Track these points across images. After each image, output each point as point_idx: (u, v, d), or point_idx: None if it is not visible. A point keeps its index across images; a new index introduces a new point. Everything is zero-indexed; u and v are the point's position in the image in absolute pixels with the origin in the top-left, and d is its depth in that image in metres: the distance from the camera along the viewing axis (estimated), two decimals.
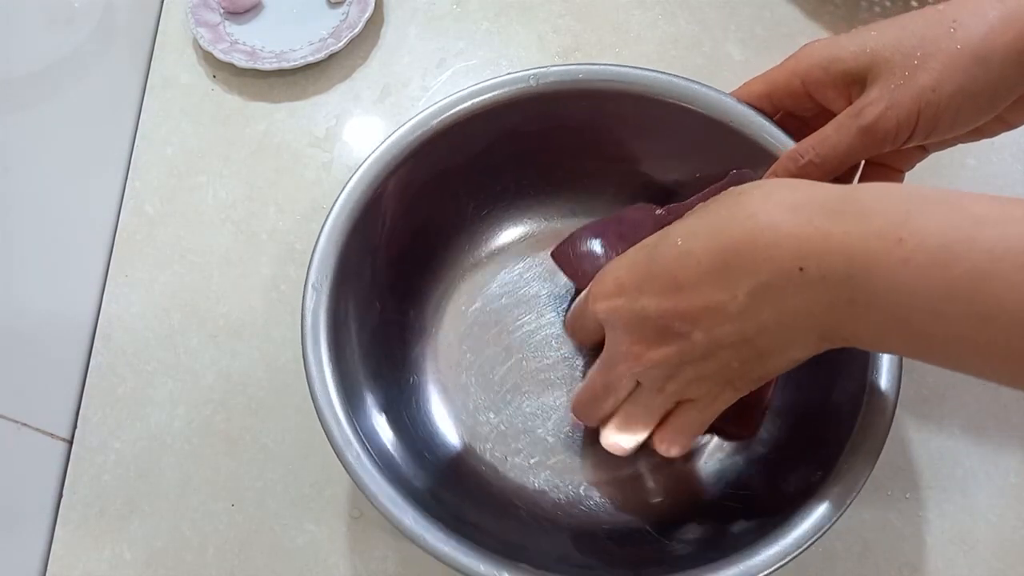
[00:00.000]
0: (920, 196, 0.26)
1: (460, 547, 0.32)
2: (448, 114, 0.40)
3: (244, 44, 0.55)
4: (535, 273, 0.45)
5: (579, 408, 0.37)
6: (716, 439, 0.40)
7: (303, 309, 0.37)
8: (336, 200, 0.39)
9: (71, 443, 0.45)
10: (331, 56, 0.54)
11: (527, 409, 0.42)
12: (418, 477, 0.37)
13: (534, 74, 0.40)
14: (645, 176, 0.45)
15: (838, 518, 0.32)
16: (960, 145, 0.37)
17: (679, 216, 0.33)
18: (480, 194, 0.45)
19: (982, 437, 0.43)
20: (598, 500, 0.40)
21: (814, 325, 0.28)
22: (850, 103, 0.35)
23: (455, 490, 0.39)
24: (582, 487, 0.40)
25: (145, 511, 0.43)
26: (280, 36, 0.56)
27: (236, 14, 0.56)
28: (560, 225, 0.46)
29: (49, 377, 0.45)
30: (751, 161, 0.39)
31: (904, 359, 0.35)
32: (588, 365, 0.42)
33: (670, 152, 0.43)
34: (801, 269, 0.27)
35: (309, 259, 0.38)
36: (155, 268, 0.49)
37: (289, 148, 0.52)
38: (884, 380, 0.35)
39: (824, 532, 0.32)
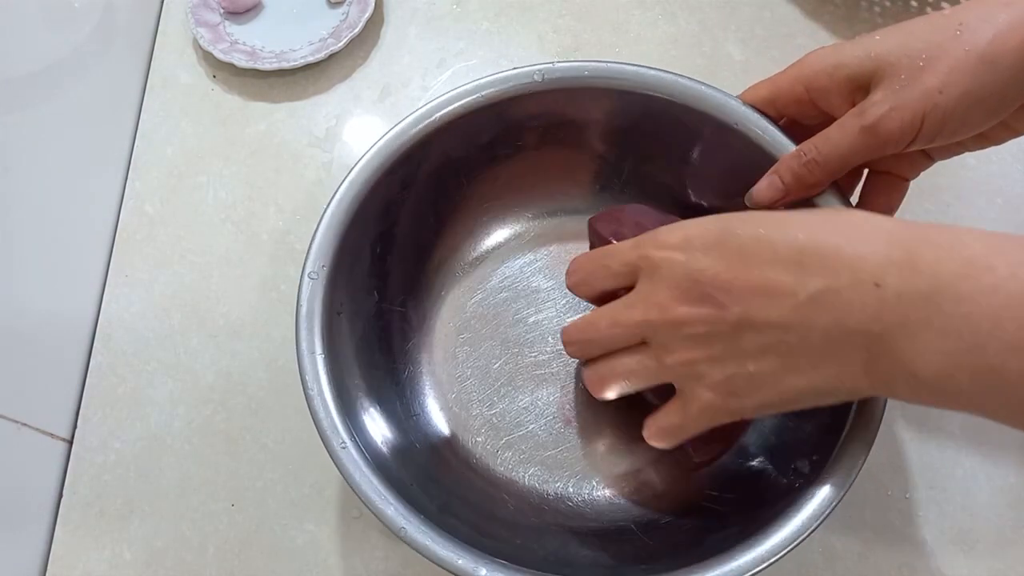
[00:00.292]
0: (1009, 235, 0.26)
1: (439, 540, 0.32)
2: (453, 107, 0.40)
3: (244, 44, 0.55)
4: (535, 268, 0.45)
5: (573, 333, 0.35)
6: None
7: (299, 296, 0.37)
8: (337, 189, 0.39)
9: (71, 443, 0.45)
10: (331, 56, 0.54)
11: (520, 403, 0.42)
12: (407, 468, 0.37)
13: (540, 69, 0.41)
14: (649, 176, 0.45)
15: (820, 523, 0.32)
16: None
17: None
18: (483, 188, 0.45)
19: (982, 437, 0.43)
20: (586, 497, 0.40)
21: (866, 346, 0.27)
22: None
23: (444, 482, 0.39)
24: (571, 484, 0.40)
25: (145, 511, 0.43)
26: (280, 36, 0.56)
27: (236, 14, 0.56)
28: (562, 222, 0.46)
29: (49, 377, 0.45)
30: (754, 163, 0.39)
31: None
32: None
33: (674, 152, 0.43)
34: (877, 285, 0.26)
35: (308, 246, 0.38)
36: (155, 268, 0.49)
37: (289, 148, 0.52)
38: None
39: (808, 535, 0.31)
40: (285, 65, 0.53)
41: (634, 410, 0.36)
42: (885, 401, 0.33)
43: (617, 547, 0.38)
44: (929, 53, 0.33)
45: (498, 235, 0.46)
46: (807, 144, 0.36)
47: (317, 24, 0.56)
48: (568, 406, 0.42)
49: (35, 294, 0.45)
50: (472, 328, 0.44)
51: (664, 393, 0.33)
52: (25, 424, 0.42)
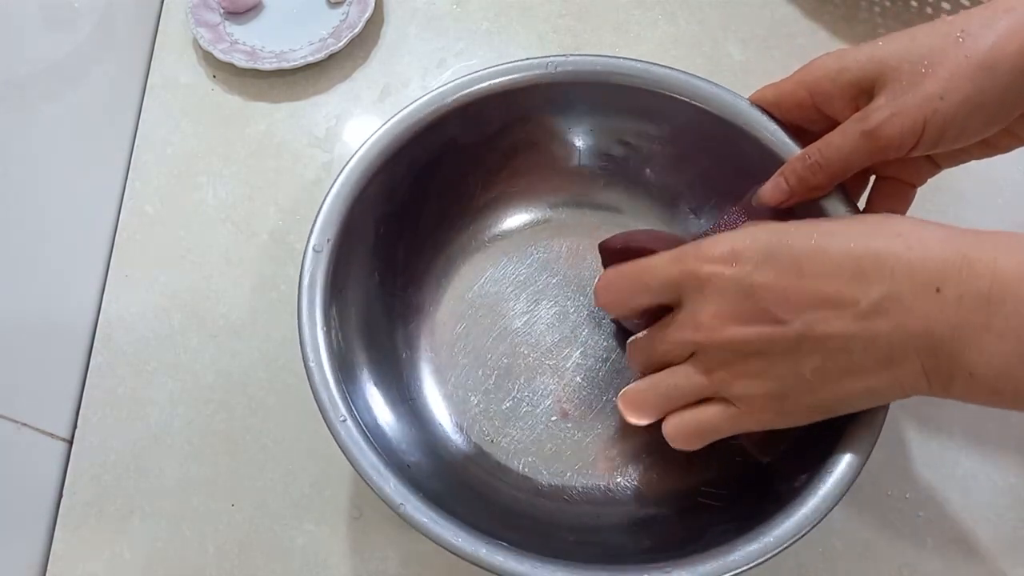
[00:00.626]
0: None
1: (438, 519, 0.32)
2: (465, 92, 0.40)
3: (244, 44, 0.55)
4: (538, 260, 0.45)
5: (636, 358, 0.36)
6: None
7: (302, 269, 0.36)
8: (345, 165, 0.39)
9: (71, 443, 0.45)
10: (331, 56, 0.54)
11: (517, 393, 0.42)
12: (404, 449, 0.37)
13: (552, 60, 0.41)
14: (654, 174, 0.45)
15: (819, 522, 0.31)
16: None
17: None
18: (489, 176, 0.45)
19: (982, 437, 0.43)
20: (580, 490, 0.40)
21: (927, 349, 0.27)
22: None
23: (440, 468, 0.39)
24: (567, 475, 0.40)
25: (145, 511, 0.43)
26: (280, 36, 0.56)
27: (236, 14, 0.56)
28: (566, 216, 0.46)
29: (49, 377, 0.45)
30: (760, 164, 0.39)
31: None
32: (584, 354, 0.43)
33: (680, 151, 0.43)
34: (938, 290, 0.27)
35: (312, 221, 0.38)
36: (155, 268, 0.49)
37: (289, 148, 0.52)
38: None
39: (806, 534, 0.31)
40: (285, 65, 0.53)
41: None
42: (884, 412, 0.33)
43: (612, 539, 0.38)
44: (931, 59, 0.33)
45: (502, 225, 0.46)
46: (811, 148, 0.36)
47: (317, 24, 0.56)
48: (565, 398, 0.42)
49: (35, 294, 0.45)
50: (472, 316, 0.44)
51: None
52: (25, 424, 0.42)
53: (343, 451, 0.33)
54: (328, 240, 0.37)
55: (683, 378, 0.33)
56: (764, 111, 0.39)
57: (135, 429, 0.45)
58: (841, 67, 0.35)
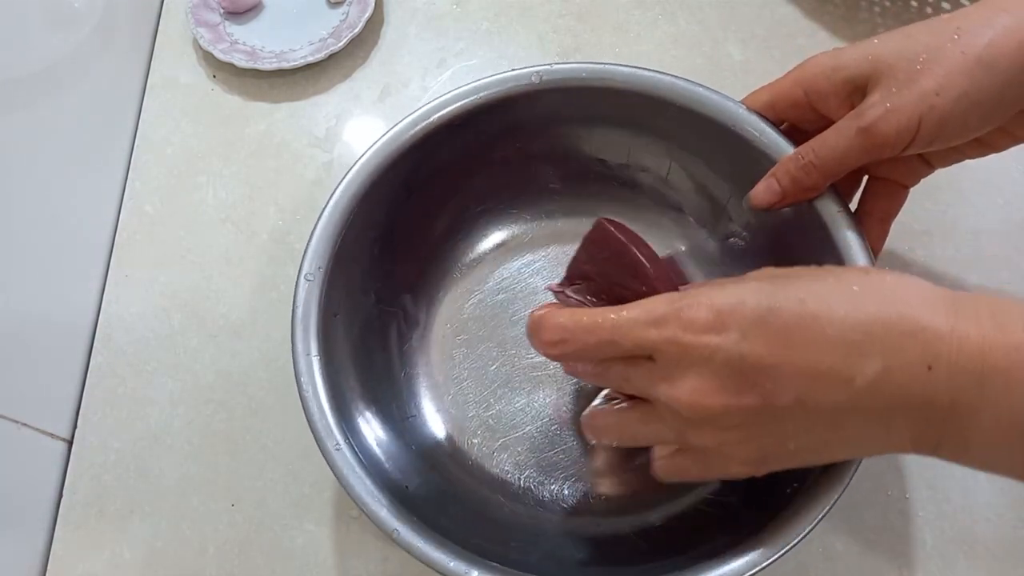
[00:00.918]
0: None
1: (432, 543, 0.32)
2: (450, 108, 0.40)
3: (244, 44, 0.55)
4: (533, 270, 0.45)
5: (595, 428, 0.34)
6: None
7: (295, 298, 0.37)
8: (333, 192, 0.39)
9: (71, 443, 0.45)
10: (331, 56, 0.54)
11: (517, 405, 0.42)
12: (402, 470, 0.37)
13: (537, 71, 0.40)
14: (647, 178, 0.45)
15: (818, 523, 0.31)
16: None
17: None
18: (480, 189, 0.45)
19: None
20: (581, 499, 0.40)
21: (918, 420, 0.27)
22: None
23: (439, 484, 0.39)
24: (566, 486, 0.40)
25: (145, 511, 0.43)
26: (280, 36, 0.56)
27: (236, 14, 0.56)
28: (560, 224, 0.46)
29: (49, 377, 0.45)
30: (753, 166, 0.39)
31: None
32: None
33: (672, 155, 0.43)
34: (930, 368, 0.26)
35: (304, 248, 0.38)
36: (155, 268, 0.49)
37: (289, 148, 0.52)
38: None
39: (807, 535, 0.31)
40: (285, 65, 0.53)
41: None
42: None
43: (612, 549, 0.38)
44: (927, 56, 0.33)
45: (495, 237, 0.46)
46: (804, 147, 0.36)
47: (317, 24, 0.56)
48: (564, 408, 0.42)
49: (35, 294, 0.45)
50: (469, 330, 0.44)
51: None
52: (25, 424, 0.42)
53: (338, 478, 0.33)
54: (319, 268, 0.37)
55: (654, 434, 0.31)
56: (754, 112, 0.39)
57: (135, 429, 0.45)
58: (836, 65, 0.35)
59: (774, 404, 0.27)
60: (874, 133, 0.33)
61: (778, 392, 0.27)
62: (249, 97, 0.54)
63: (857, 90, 0.35)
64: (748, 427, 0.28)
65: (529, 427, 0.42)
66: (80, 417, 0.45)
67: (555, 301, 0.35)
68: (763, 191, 0.38)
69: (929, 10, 0.54)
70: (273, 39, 0.56)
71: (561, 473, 0.41)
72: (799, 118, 0.38)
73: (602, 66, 0.40)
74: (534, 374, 0.43)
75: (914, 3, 0.54)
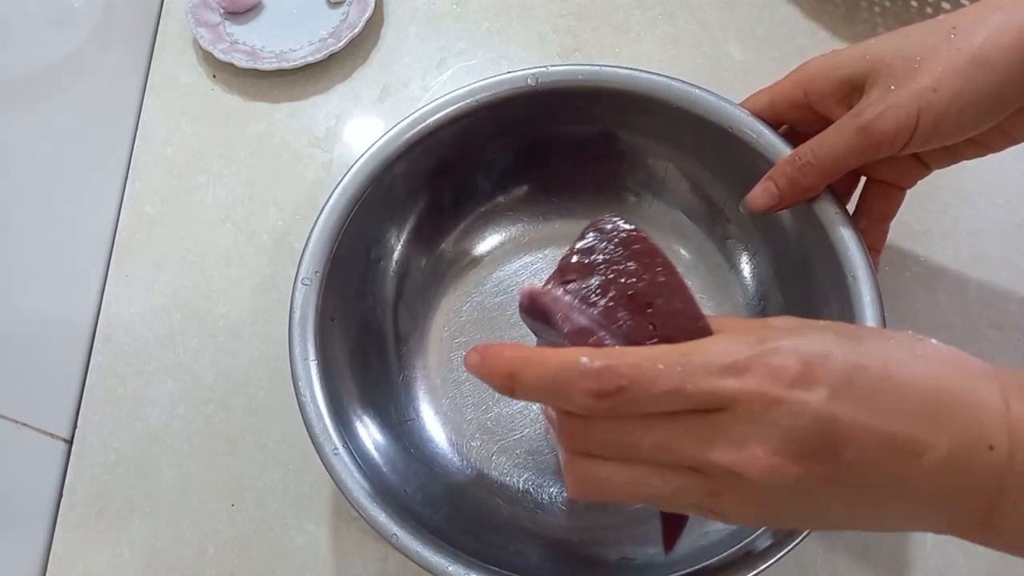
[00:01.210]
0: None
1: (430, 547, 0.32)
2: (446, 111, 0.40)
3: (244, 44, 0.55)
4: (531, 272, 0.45)
5: (587, 482, 0.26)
6: None
7: (292, 303, 0.37)
8: (330, 196, 0.39)
9: (71, 443, 0.45)
10: (331, 56, 0.54)
11: (515, 408, 0.42)
12: (400, 474, 0.37)
13: (533, 73, 0.40)
14: (644, 180, 0.45)
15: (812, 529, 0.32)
16: None
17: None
18: (477, 192, 0.45)
19: None
20: (580, 503, 0.40)
21: (962, 503, 0.24)
22: None
23: (438, 487, 0.39)
24: (564, 489, 0.40)
25: (145, 511, 0.43)
26: (280, 36, 0.56)
27: (236, 14, 0.56)
28: (557, 226, 0.46)
29: (49, 377, 0.45)
30: (751, 168, 0.39)
31: None
32: None
33: (669, 157, 0.43)
34: (991, 448, 0.23)
35: (300, 254, 0.38)
36: (155, 268, 0.49)
37: (289, 148, 0.52)
38: None
39: (806, 536, 0.31)
40: (285, 65, 0.53)
41: None
42: None
43: (611, 552, 0.38)
44: (923, 54, 0.33)
45: (493, 239, 0.46)
46: (802, 148, 0.36)
47: (317, 24, 0.56)
48: None
49: (35, 294, 0.45)
50: (467, 332, 0.44)
51: None
52: (25, 424, 0.42)
53: (336, 483, 0.33)
54: (316, 272, 0.37)
55: (674, 494, 0.25)
56: (750, 113, 0.39)
57: (135, 429, 0.45)
58: (835, 65, 0.35)
59: (839, 477, 0.24)
60: (873, 131, 0.33)
61: (853, 462, 0.23)
62: (249, 97, 0.54)
63: (855, 90, 0.35)
64: (802, 495, 0.24)
65: (527, 429, 0.42)
66: (80, 417, 0.45)
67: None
68: (760, 194, 0.37)
69: (929, 10, 0.54)
70: (273, 39, 0.56)
71: (560, 476, 0.41)
72: (798, 119, 0.38)
73: (598, 68, 0.40)
74: None
75: (914, 3, 0.54)
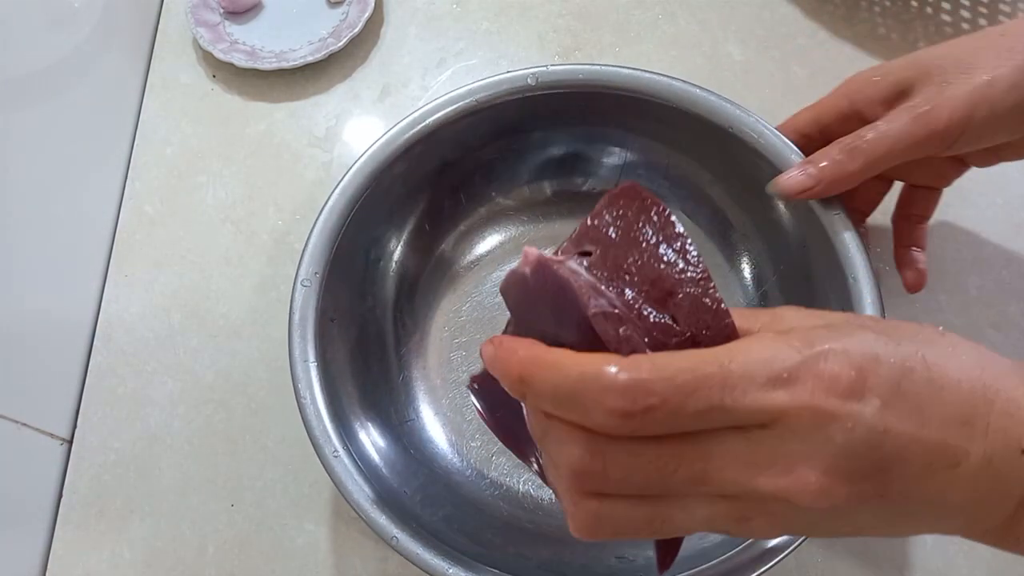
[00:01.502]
0: None
1: (431, 549, 0.32)
2: (446, 111, 0.40)
3: (244, 44, 0.55)
4: None
5: (599, 521, 0.23)
6: None
7: (291, 304, 0.37)
8: (329, 197, 0.39)
9: (71, 443, 0.45)
10: (331, 56, 0.54)
11: None
12: (400, 475, 0.37)
13: (533, 73, 0.40)
14: (644, 179, 0.45)
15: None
16: None
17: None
18: (477, 192, 0.45)
19: None
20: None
21: (987, 512, 0.23)
22: None
23: (438, 489, 0.39)
24: None
25: (145, 511, 0.43)
26: (280, 36, 0.56)
27: (236, 14, 0.56)
28: (558, 226, 0.46)
29: (49, 377, 0.45)
30: (751, 167, 0.39)
31: None
32: None
33: (669, 156, 0.43)
34: (1022, 451, 0.22)
35: (300, 254, 0.38)
36: (155, 268, 0.49)
37: (289, 148, 0.52)
38: None
39: (801, 542, 0.31)
40: (285, 65, 0.53)
41: None
42: None
43: (611, 554, 0.38)
44: (974, 55, 0.34)
45: (493, 239, 0.46)
46: (850, 135, 0.35)
47: (317, 24, 0.56)
48: None
49: (35, 294, 0.45)
50: (467, 332, 0.44)
51: None
52: (25, 424, 0.42)
53: (336, 485, 0.34)
54: (316, 273, 0.37)
55: (697, 525, 0.22)
56: (749, 112, 0.39)
57: (135, 429, 0.45)
58: (883, 72, 0.36)
59: (886, 494, 0.22)
60: (928, 119, 0.33)
61: (902, 476, 0.21)
62: (249, 97, 0.54)
63: (903, 94, 0.35)
64: (839, 514, 0.22)
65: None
66: (80, 417, 0.45)
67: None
68: (796, 175, 0.36)
69: (929, 10, 0.54)
70: (273, 39, 0.56)
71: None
72: (843, 129, 0.37)
73: (598, 68, 0.40)
74: None
75: (914, 3, 0.54)
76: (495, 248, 0.46)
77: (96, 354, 0.47)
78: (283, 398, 0.45)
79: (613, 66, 0.40)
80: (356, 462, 0.34)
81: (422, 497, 0.37)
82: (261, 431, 0.44)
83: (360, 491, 0.33)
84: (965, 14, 0.53)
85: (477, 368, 0.43)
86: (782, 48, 0.54)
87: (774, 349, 0.21)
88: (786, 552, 0.31)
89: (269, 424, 0.44)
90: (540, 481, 0.40)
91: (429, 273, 0.45)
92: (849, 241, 0.36)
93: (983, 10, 0.53)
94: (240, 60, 0.53)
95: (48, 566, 0.42)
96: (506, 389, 0.23)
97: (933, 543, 0.40)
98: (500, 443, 0.41)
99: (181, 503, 0.43)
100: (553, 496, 0.40)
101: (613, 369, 0.20)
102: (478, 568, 0.32)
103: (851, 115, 0.36)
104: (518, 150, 0.44)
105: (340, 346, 0.38)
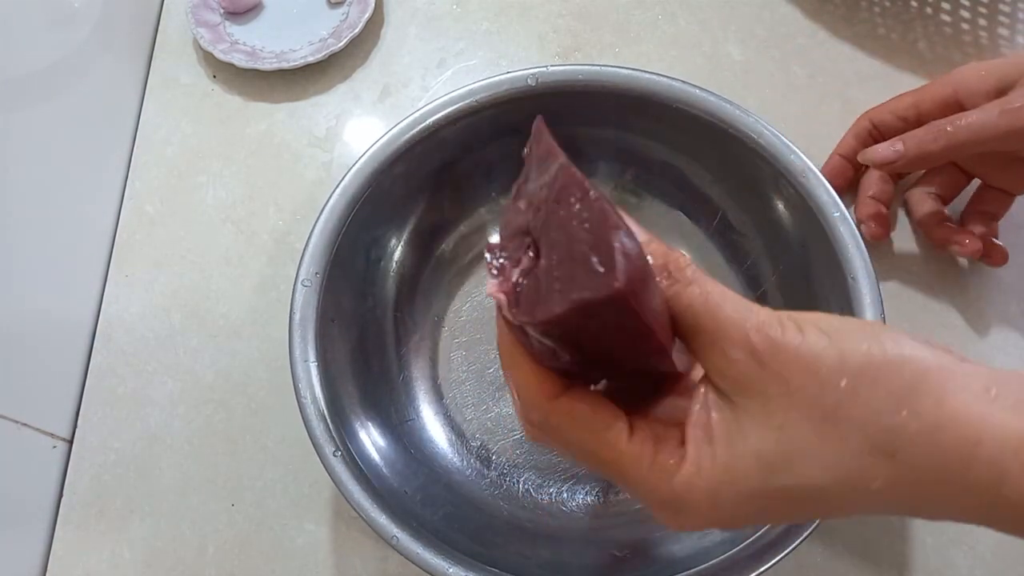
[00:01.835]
0: None
1: (431, 549, 0.32)
2: (446, 111, 0.40)
3: (244, 44, 0.55)
4: None
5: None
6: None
7: (292, 304, 0.37)
8: (330, 197, 0.39)
9: (71, 443, 0.45)
10: (331, 56, 0.54)
11: (514, 407, 0.42)
12: (401, 475, 0.37)
13: (533, 73, 0.40)
14: (644, 179, 0.45)
15: (817, 524, 0.31)
16: None
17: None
18: (477, 192, 0.45)
19: None
20: (580, 503, 0.40)
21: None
22: None
23: (438, 488, 0.39)
24: (565, 489, 0.40)
25: (145, 511, 0.43)
26: (280, 36, 0.56)
27: (236, 14, 0.56)
28: None
29: (49, 377, 0.45)
30: (751, 167, 0.39)
31: None
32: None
33: (669, 156, 0.43)
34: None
35: (301, 254, 0.38)
36: (155, 268, 0.49)
37: (289, 148, 0.52)
38: None
39: (807, 537, 0.31)
40: (285, 65, 0.53)
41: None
42: None
43: (611, 554, 0.38)
44: None
45: (494, 238, 0.46)
46: (942, 120, 0.38)
47: (317, 24, 0.56)
48: None
49: (35, 294, 0.45)
50: (467, 332, 0.44)
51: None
52: (25, 424, 0.42)
53: (336, 485, 0.34)
54: (316, 273, 0.37)
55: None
56: (749, 113, 0.39)
57: (135, 429, 0.45)
58: (988, 68, 0.39)
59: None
60: (1015, 116, 0.36)
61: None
62: (249, 97, 0.54)
63: (1005, 90, 0.38)
64: None
65: None
66: (80, 417, 0.45)
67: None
68: (885, 148, 0.40)
69: (929, 10, 0.54)
70: (273, 39, 0.56)
71: (560, 476, 0.41)
72: (941, 115, 0.40)
73: (598, 68, 0.40)
74: None
75: (914, 3, 0.54)
76: None
77: (96, 354, 0.47)
78: (283, 398, 0.45)
79: (613, 66, 0.40)
80: (356, 462, 0.34)
81: (422, 497, 0.37)
82: (261, 431, 0.44)
83: (360, 491, 0.33)
84: (965, 14, 0.53)
85: (477, 368, 0.43)
86: (782, 48, 0.54)
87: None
88: (786, 552, 0.31)
89: (269, 424, 0.44)
90: (539, 481, 0.40)
91: (429, 273, 0.45)
92: (849, 241, 0.36)
93: (983, 10, 0.53)
94: (240, 60, 0.53)
95: (48, 566, 0.42)
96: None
97: (933, 543, 0.40)
98: (501, 443, 0.41)
99: (181, 503, 0.43)
100: (553, 496, 0.40)
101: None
102: (478, 568, 0.32)
103: (953, 103, 0.40)
104: (518, 150, 0.44)
105: (340, 346, 0.38)
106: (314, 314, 0.37)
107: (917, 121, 0.41)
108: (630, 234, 0.20)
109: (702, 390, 0.22)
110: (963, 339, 0.44)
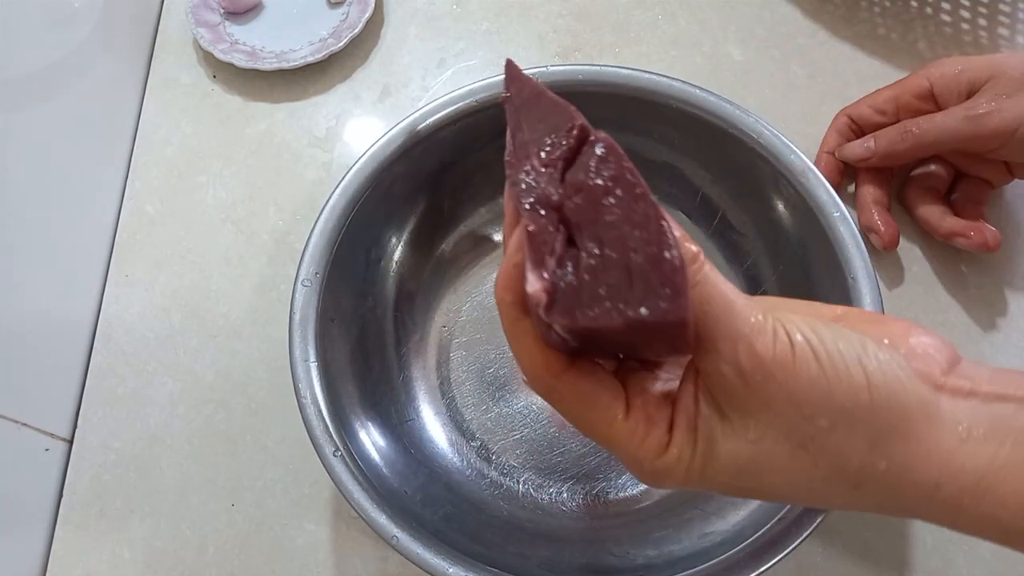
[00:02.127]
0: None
1: (431, 549, 0.32)
2: (446, 111, 0.40)
3: (244, 44, 0.55)
4: None
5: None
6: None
7: (292, 304, 0.37)
8: (329, 197, 0.39)
9: (71, 443, 0.45)
10: (331, 56, 0.54)
11: (516, 407, 0.42)
12: (400, 475, 0.37)
13: (533, 73, 0.40)
14: (646, 180, 0.45)
15: (818, 525, 0.31)
16: None
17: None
18: (477, 192, 0.45)
19: None
20: (580, 502, 0.40)
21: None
22: None
23: (438, 488, 0.39)
24: (565, 489, 0.40)
25: (145, 511, 0.43)
26: (280, 36, 0.56)
27: (236, 14, 0.56)
28: None
29: (49, 377, 0.45)
30: (750, 167, 0.39)
31: None
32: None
33: (668, 155, 0.43)
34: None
35: (301, 254, 0.38)
36: (155, 268, 0.49)
37: (289, 148, 0.52)
38: None
39: (807, 537, 0.31)
40: (285, 65, 0.53)
41: None
42: None
43: (611, 554, 0.38)
44: None
45: (493, 239, 0.46)
46: (910, 121, 0.42)
47: (317, 24, 0.56)
48: None
49: (35, 294, 0.45)
50: (467, 332, 0.44)
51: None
52: (25, 424, 0.42)
53: (336, 485, 0.33)
54: (316, 273, 0.37)
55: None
56: (748, 112, 0.39)
57: (135, 429, 0.45)
58: (964, 67, 0.41)
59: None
60: (979, 123, 0.38)
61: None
62: (249, 97, 0.54)
63: (975, 91, 0.40)
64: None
65: (528, 429, 0.42)
66: (80, 417, 0.45)
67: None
68: (857, 146, 0.44)
69: (929, 10, 0.54)
70: (273, 39, 0.56)
71: (560, 476, 0.41)
72: (918, 108, 0.43)
73: (598, 68, 0.40)
74: None
75: (914, 3, 0.54)
76: (495, 248, 0.46)
77: (96, 354, 0.47)
78: (283, 398, 0.45)
79: (613, 66, 0.40)
80: (356, 462, 0.34)
81: (422, 497, 0.37)
82: (261, 431, 0.44)
83: (360, 491, 0.33)
84: (965, 14, 0.54)
85: (477, 368, 0.43)
86: (782, 48, 0.54)
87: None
88: (786, 552, 0.31)
89: (269, 424, 0.44)
90: (539, 481, 0.40)
91: (429, 273, 0.45)
92: (849, 241, 0.36)
93: (983, 10, 0.53)
94: (240, 60, 0.53)
95: (48, 566, 0.42)
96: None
97: (933, 543, 0.40)
98: (500, 443, 0.41)
99: (181, 503, 0.43)
100: (553, 496, 0.40)
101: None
102: (478, 568, 0.32)
103: (928, 95, 0.42)
104: None
105: (340, 346, 0.38)
106: (314, 314, 0.37)
107: (896, 114, 0.44)
108: (678, 243, 0.19)
109: (694, 378, 0.24)
110: (963, 338, 0.44)
